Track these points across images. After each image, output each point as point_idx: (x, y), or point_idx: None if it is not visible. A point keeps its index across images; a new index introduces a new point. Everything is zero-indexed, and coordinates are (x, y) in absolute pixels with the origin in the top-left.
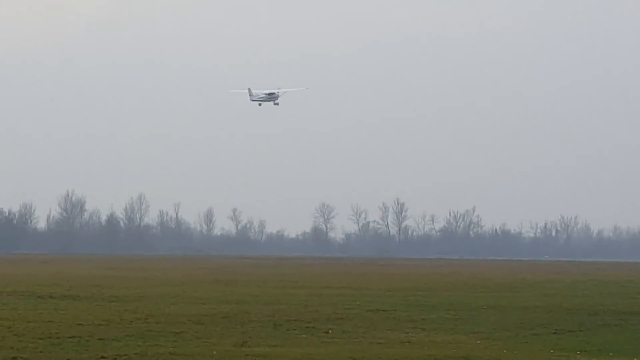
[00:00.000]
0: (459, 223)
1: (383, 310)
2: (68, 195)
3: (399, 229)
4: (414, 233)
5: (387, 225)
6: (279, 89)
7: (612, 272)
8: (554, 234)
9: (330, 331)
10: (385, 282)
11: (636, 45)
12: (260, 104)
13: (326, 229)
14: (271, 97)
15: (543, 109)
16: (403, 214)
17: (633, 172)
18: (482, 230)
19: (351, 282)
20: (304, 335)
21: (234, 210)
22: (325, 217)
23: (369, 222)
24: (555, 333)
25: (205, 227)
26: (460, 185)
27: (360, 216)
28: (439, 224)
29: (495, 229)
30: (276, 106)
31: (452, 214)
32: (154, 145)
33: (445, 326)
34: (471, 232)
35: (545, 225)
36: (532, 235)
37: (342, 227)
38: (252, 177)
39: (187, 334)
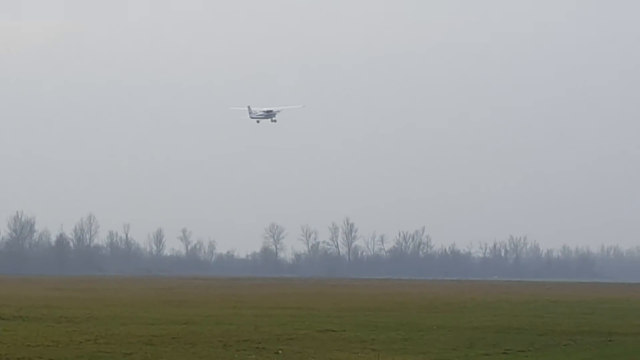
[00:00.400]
0: (408, 243)
1: (333, 331)
2: (17, 215)
3: (349, 249)
4: (364, 253)
5: (337, 246)
6: (274, 108)
7: (561, 292)
8: (503, 254)
9: (280, 351)
10: (335, 302)
11: (581, 70)
12: (258, 121)
13: (276, 250)
14: (269, 114)
15: (489, 131)
16: (353, 234)
17: (581, 193)
18: (432, 250)
19: (301, 302)
20: (253, 356)
21: (184, 230)
22: (275, 237)
23: (318, 243)
24: (505, 353)
25: (155, 247)
26: (410, 205)
27: (310, 236)
28: (389, 244)
29: (445, 249)
30: (274, 123)
31: (401, 235)
32: (103, 166)
33: (395, 346)
34: (421, 253)
35: (495, 246)
36: (481, 255)
37: (292, 247)
38: (202, 197)
39: (137, 354)
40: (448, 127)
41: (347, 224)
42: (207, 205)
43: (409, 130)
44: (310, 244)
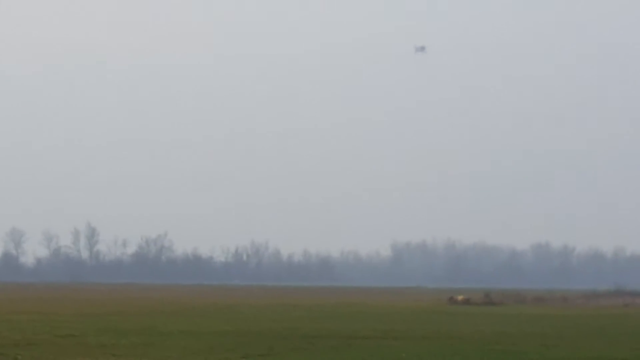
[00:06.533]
0: (151, 247)
1: (73, 336)
2: None
3: (91, 254)
4: (106, 257)
5: (79, 250)
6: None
7: (301, 296)
8: (245, 258)
9: (18, 357)
10: (77, 307)
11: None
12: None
13: (17, 254)
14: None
15: (221, 136)
16: (95, 238)
17: (320, 197)
18: (174, 254)
19: (42, 307)
20: None
21: None
22: (16, 241)
23: (60, 247)
24: (244, 357)
25: None
26: (152, 209)
27: (51, 241)
28: (131, 249)
29: (187, 254)
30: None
31: (144, 239)
32: None
33: (136, 351)
34: (163, 257)
35: (236, 250)
36: (223, 259)
37: (33, 251)
38: None
39: None
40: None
41: (89, 228)
42: None
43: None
44: (52, 249)
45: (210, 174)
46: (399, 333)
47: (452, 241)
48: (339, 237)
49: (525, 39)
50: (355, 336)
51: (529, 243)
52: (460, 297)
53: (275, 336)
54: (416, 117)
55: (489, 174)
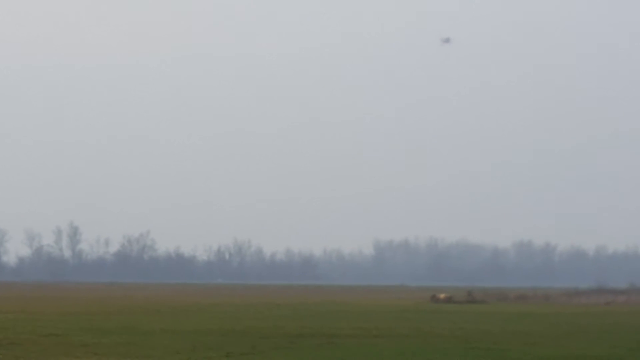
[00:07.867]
0: (133, 246)
1: (56, 335)
2: None
3: (73, 253)
4: (89, 256)
5: (62, 249)
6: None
7: (284, 294)
8: (227, 257)
9: (0, 356)
10: (59, 306)
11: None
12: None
13: None
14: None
15: (210, 133)
16: (77, 237)
17: (302, 195)
18: (157, 253)
19: (24, 306)
20: None
21: None
22: None
23: (42, 246)
24: (227, 356)
25: None
26: (135, 208)
27: (34, 240)
28: (114, 248)
29: (170, 253)
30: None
31: (126, 238)
32: None
33: (118, 350)
34: (145, 256)
35: (219, 249)
36: (205, 258)
37: (15, 251)
38: None
39: None
40: (170, 135)
41: (72, 227)
42: None
43: (121, 136)
44: (34, 248)
45: (193, 173)
46: (382, 331)
47: (435, 239)
48: (322, 235)
49: (516, 39)
50: (338, 335)
51: (512, 241)
52: (442, 295)
53: (258, 335)
54: (399, 119)
55: (471, 173)
